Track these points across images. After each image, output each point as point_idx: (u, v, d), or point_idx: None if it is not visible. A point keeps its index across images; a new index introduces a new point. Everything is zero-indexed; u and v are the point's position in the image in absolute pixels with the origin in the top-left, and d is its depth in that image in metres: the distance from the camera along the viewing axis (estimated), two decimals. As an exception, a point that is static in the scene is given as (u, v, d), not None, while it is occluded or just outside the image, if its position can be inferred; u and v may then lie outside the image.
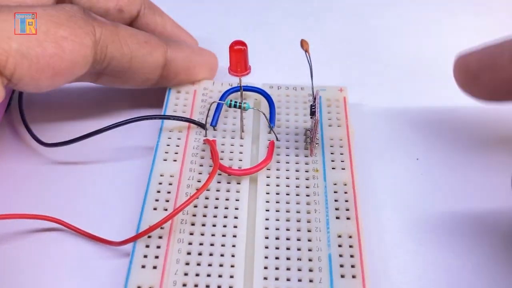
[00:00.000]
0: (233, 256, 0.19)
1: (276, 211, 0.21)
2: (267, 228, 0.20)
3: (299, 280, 0.19)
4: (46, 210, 0.21)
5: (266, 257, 0.19)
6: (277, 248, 0.19)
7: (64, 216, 0.21)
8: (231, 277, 0.19)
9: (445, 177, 0.23)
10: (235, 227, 0.20)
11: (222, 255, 0.19)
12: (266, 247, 0.20)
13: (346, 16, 0.32)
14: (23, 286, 0.20)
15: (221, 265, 0.19)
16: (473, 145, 0.25)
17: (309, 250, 0.19)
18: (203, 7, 0.32)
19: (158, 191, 0.21)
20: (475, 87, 0.21)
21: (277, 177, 0.22)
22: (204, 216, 0.20)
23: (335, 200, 0.21)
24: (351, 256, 0.19)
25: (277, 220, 0.20)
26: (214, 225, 0.20)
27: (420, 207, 0.22)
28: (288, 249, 0.19)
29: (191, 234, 0.20)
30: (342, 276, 0.19)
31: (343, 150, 0.23)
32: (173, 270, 0.19)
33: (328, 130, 0.24)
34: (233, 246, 0.20)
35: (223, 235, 0.20)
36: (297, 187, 0.21)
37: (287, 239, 0.20)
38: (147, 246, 0.19)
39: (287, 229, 0.20)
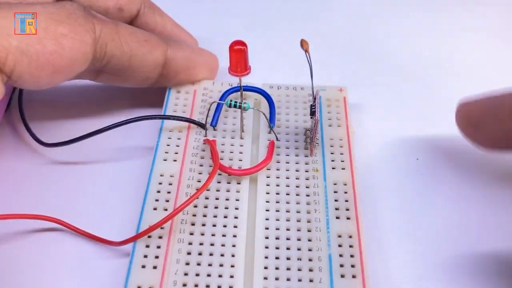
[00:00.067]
0: (233, 256, 0.19)
1: (276, 211, 0.21)
2: (267, 228, 0.20)
3: (299, 280, 0.19)
4: (46, 210, 0.21)
5: (266, 257, 0.19)
6: (277, 248, 0.20)
7: (64, 216, 0.21)
8: (231, 277, 0.19)
9: (445, 177, 0.23)
10: (235, 227, 0.20)
11: (222, 255, 0.19)
12: (266, 247, 0.20)
13: (346, 16, 0.32)
14: (23, 286, 0.20)
15: (221, 265, 0.19)
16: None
17: (309, 250, 0.19)
18: (203, 7, 0.32)
19: (158, 191, 0.21)
20: (477, 136, 0.22)
21: (277, 177, 0.22)
22: (204, 216, 0.20)
23: (335, 200, 0.21)
24: (351, 256, 0.19)
25: (277, 220, 0.20)
26: (214, 225, 0.20)
27: (420, 207, 0.22)
28: (288, 249, 0.19)
29: (191, 234, 0.20)
30: (342, 276, 0.19)
31: (343, 150, 0.23)
32: (173, 270, 0.19)
33: (328, 130, 0.24)
34: (233, 246, 0.20)
35: (223, 235, 0.20)
36: (297, 187, 0.21)
37: (287, 239, 0.20)
38: (147, 246, 0.19)
39: (287, 229, 0.20)
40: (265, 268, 0.19)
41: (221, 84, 0.26)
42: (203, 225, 0.20)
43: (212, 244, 0.20)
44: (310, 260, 0.19)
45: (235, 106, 0.22)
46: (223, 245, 0.19)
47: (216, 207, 0.21)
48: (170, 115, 0.24)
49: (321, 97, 0.25)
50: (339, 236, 0.20)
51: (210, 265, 0.19)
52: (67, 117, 0.25)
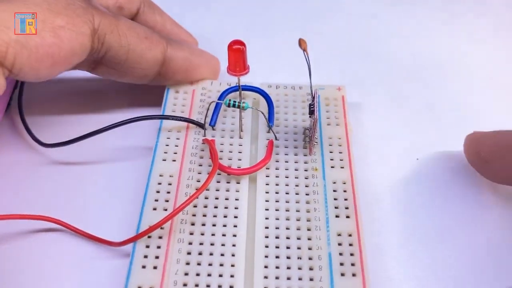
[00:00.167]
0: (233, 255, 0.19)
1: (276, 210, 0.21)
2: (267, 227, 0.20)
3: (300, 279, 0.19)
4: (46, 210, 0.21)
5: (266, 256, 0.19)
6: (277, 247, 0.20)
7: (64, 216, 0.21)
8: (232, 276, 0.19)
9: (444, 177, 0.23)
10: (235, 226, 0.20)
11: (222, 255, 0.19)
12: (266, 246, 0.20)
13: (345, 15, 0.32)
14: (23, 286, 0.20)
15: (221, 265, 0.19)
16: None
17: (309, 248, 0.19)
18: (203, 7, 0.32)
19: (158, 191, 0.21)
20: (486, 171, 0.22)
21: (276, 176, 0.22)
22: (204, 215, 0.20)
23: (335, 199, 0.21)
24: (351, 254, 0.19)
25: (277, 219, 0.20)
26: (214, 225, 0.20)
27: (419, 206, 0.22)
28: (288, 248, 0.19)
29: (191, 234, 0.20)
30: (342, 275, 0.19)
31: (342, 148, 0.23)
32: (174, 270, 0.19)
33: (327, 129, 0.24)
34: (233, 245, 0.20)
35: (223, 235, 0.20)
36: (296, 186, 0.21)
37: (287, 238, 0.20)
38: (147, 246, 0.19)
39: (287, 228, 0.20)
40: (266, 267, 0.19)
41: (219, 83, 0.26)
42: (203, 225, 0.20)
43: (212, 244, 0.20)
44: (310, 258, 0.19)
45: (234, 105, 0.22)
46: (223, 245, 0.19)
47: (215, 207, 0.21)
48: (169, 115, 0.24)
49: (319, 96, 0.25)
50: (339, 235, 0.20)
51: (210, 264, 0.19)
52: (67, 118, 0.25)
